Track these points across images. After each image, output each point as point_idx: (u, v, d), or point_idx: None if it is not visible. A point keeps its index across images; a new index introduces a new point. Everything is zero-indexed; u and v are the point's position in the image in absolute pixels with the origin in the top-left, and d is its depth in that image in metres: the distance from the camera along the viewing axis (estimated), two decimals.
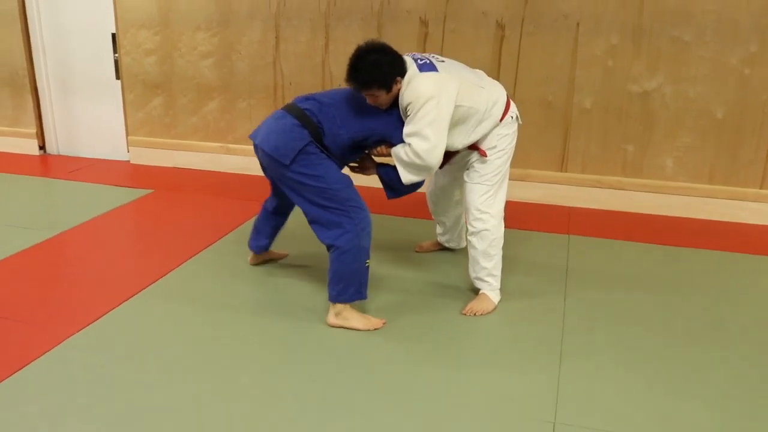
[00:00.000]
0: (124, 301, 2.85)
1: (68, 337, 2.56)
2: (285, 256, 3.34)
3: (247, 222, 3.77)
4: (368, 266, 2.65)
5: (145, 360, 2.43)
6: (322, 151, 2.67)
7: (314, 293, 2.96)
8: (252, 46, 4.57)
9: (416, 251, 3.45)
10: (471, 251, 2.87)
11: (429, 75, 2.61)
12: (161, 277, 3.10)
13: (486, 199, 2.80)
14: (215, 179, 4.69)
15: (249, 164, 4.77)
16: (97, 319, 2.70)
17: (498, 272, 2.88)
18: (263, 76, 4.60)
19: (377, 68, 2.58)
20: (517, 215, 4.02)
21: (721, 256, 3.48)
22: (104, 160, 5.18)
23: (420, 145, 2.56)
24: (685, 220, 4.04)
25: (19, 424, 2.07)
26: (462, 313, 2.81)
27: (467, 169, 2.86)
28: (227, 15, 4.57)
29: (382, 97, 2.62)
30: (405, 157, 2.61)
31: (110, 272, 3.16)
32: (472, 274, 2.90)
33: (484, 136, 2.77)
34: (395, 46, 4.10)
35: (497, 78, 4.09)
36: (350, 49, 4.00)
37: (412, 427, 2.10)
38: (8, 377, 2.30)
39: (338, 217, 2.60)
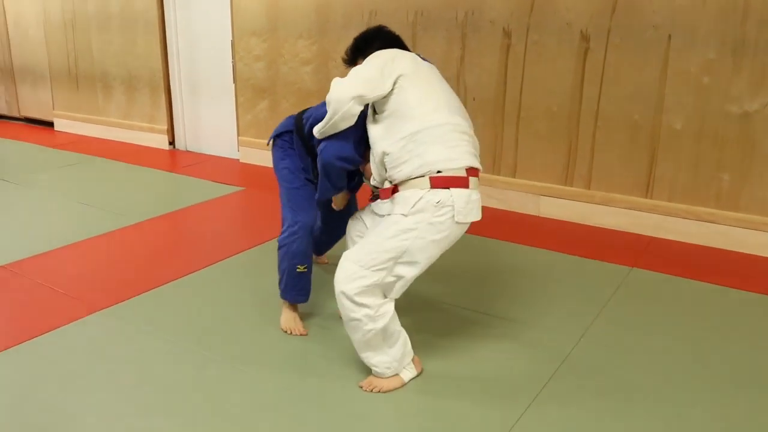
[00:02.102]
0: (164, 283, 3.08)
1: (100, 309, 2.84)
2: (326, 263, 3.37)
3: None
4: (301, 272, 2.64)
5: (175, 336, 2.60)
6: (292, 147, 2.73)
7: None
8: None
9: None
10: (348, 332, 2.30)
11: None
12: (198, 269, 3.29)
13: (359, 286, 2.15)
14: None
15: None
16: (133, 296, 2.97)
17: (396, 357, 2.28)
18: None
19: (355, 41, 2.56)
20: (584, 240, 3.74)
21: None
22: (220, 157, 5.57)
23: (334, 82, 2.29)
24: None
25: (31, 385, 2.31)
26: (359, 385, 2.32)
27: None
28: (325, 24, 4.71)
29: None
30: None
31: (160, 259, 3.40)
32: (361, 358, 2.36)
33: (403, 182, 2.19)
34: (478, 56, 3.99)
35: (580, 91, 3.85)
36: (435, 60, 4.00)
37: None
38: (28, 340, 2.58)
39: (285, 212, 2.68)
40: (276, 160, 2.78)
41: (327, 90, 4.82)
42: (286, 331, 2.69)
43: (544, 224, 4.02)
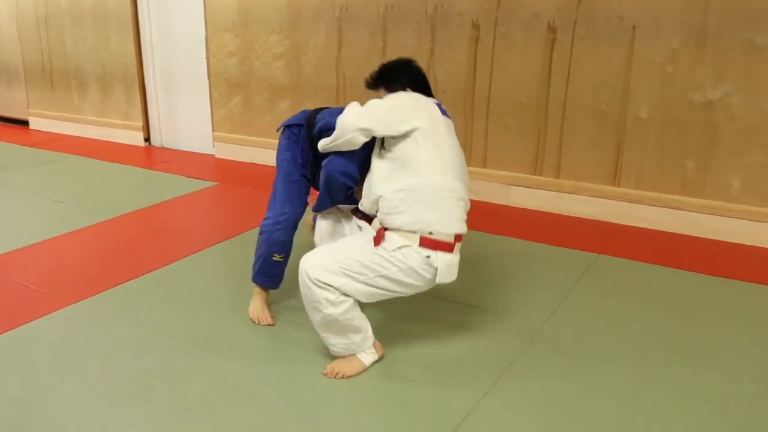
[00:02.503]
0: (135, 278, 3.10)
1: (70, 304, 2.85)
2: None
3: None
4: (278, 260, 2.68)
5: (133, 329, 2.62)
6: (297, 141, 2.73)
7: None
8: (317, 49, 4.69)
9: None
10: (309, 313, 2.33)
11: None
12: (170, 263, 3.31)
13: (325, 276, 2.19)
14: None
15: None
16: (104, 291, 2.98)
17: (356, 341, 2.31)
18: (327, 78, 4.71)
19: (381, 68, 2.59)
20: (553, 228, 3.80)
21: None
22: (195, 153, 5.57)
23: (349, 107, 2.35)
24: (750, 249, 3.57)
25: None
26: (323, 373, 2.34)
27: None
28: (296, 18, 4.73)
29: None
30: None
31: (132, 253, 3.42)
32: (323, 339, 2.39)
33: (393, 230, 2.25)
34: (448, 49, 4.07)
35: (548, 82, 3.90)
36: (405, 52, 4.09)
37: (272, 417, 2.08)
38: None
39: (274, 200, 2.70)
40: (280, 148, 2.78)
41: (299, 85, 4.88)
42: (254, 321, 2.72)
43: (514, 213, 4.08)
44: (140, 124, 5.81)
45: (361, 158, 2.40)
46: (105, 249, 3.53)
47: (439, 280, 2.25)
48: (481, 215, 3.98)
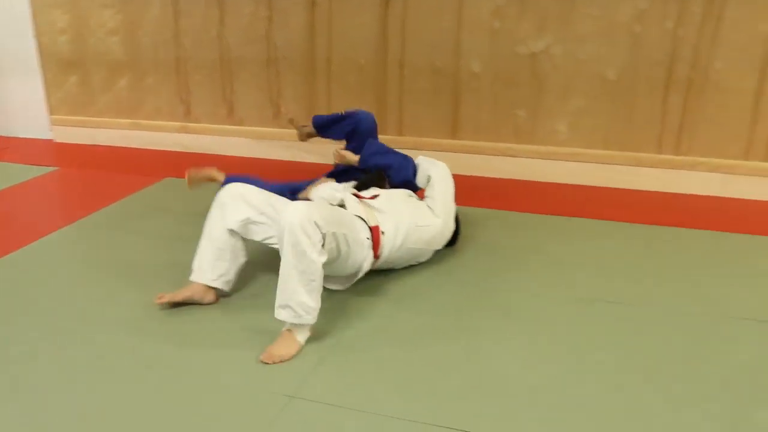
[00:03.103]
0: None
1: None
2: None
3: (122, 200, 3.79)
4: None
5: None
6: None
7: None
8: (153, 22, 4.55)
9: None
10: (286, 265, 2.26)
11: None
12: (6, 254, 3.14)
13: (311, 224, 2.22)
14: (124, 155, 4.72)
15: (161, 139, 4.79)
16: None
17: (316, 307, 2.28)
18: (166, 51, 4.58)
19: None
20: None
21: (608, 226, 3.30)
22: (32, 139, 5.26)
23: None
24: (578, 188, 3.85)
25: None
26: (261, 360, 2.22)
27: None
28: None
29: None
30: None
31: None
32: (281, 300, 2.27)
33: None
34: (285, 15, 4.19)
35: (385, 43, 4.00)
36: (243, 21, 4.05)
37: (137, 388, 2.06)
38: None
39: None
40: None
41: (138, 60, 4.69)
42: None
43: None
44: None
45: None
46: None
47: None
48: None
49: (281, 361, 2.22)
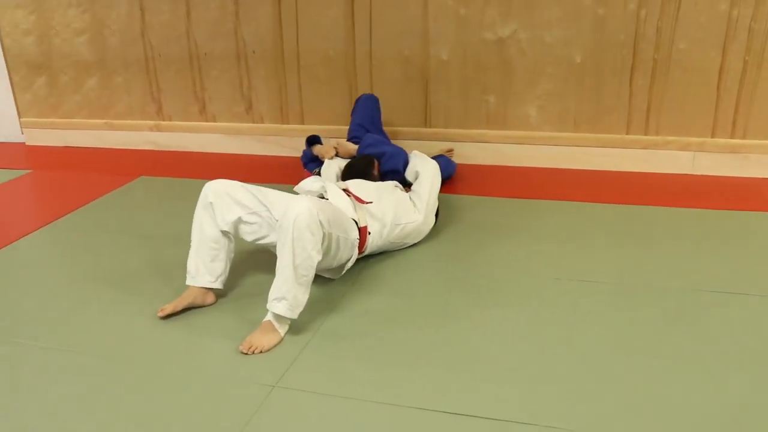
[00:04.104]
0: None
1: None
2: None
3: (97, 200, 3.77)
4: None
5: None
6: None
7: None
8: (120, 20, 4.51)
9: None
10: (285, 259, 2.27)
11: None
12: None
13: (315, 222, 2.27)
14: (97, 155, 4.69)
15: (131, 139, 4.77)
16: None
17: (303, 304, 2.32)
18: (134, 50, 4.55)
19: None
20: None
21: (582, 207, 3.35)
22: (3, 143, 5.20)
23: None
24: (552, 171, 3.91)
25: None
26: (240, 350, 2.24)
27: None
28: None
29: None
30: None
31: None
32: (277, 293, 2.28)
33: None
34: (252, 9, 4.27)
35: (353, 34, 4.01)
36: (210, 15, 4.05)
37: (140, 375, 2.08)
38: None
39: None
40: None
41: (106, 60, 4.65)
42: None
43: None
44: None
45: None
46: None
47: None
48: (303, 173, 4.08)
49: (260, 352, 2.24)
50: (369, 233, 2.68)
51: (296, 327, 2.36)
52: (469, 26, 3.86)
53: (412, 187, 3.09)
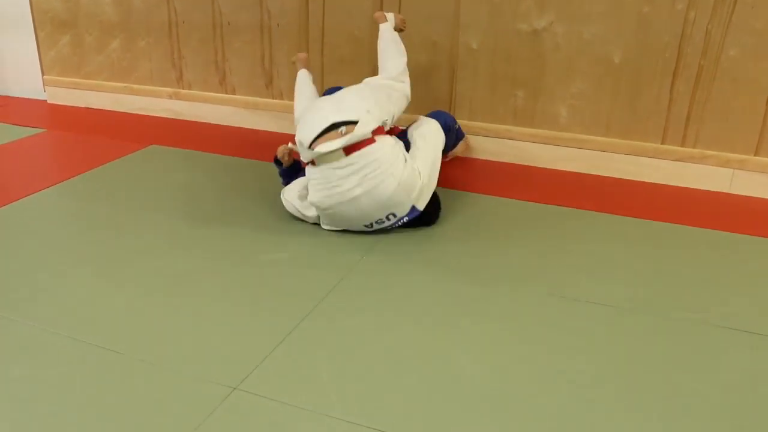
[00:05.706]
0: None
1: None
2: None
3: (102, 166, 3.67)
4: None
5: None
6: None
7: None
8: None
9: None
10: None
11: None
12: None
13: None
14: (114, 119, 4.60)
15: (150, 105, 4.67)
16: None
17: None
18: (158, 14, 4.42)
19: None
20: None
21: (603, 219, 3.11)
22: (25, 99, 5.16)
23: None
24: (576, 175, 3.67)
25: None
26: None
27: None
28: None
29: None
30: None
31: None
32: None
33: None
34: None
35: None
36: None
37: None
38: None
39: None
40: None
41: (130, 22, 4.56)
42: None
43: None
44: None
45: None
46: None
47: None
48: None
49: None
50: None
51: (273, 322, 2.21)
52: (503, 14, 3.63)
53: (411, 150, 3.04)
